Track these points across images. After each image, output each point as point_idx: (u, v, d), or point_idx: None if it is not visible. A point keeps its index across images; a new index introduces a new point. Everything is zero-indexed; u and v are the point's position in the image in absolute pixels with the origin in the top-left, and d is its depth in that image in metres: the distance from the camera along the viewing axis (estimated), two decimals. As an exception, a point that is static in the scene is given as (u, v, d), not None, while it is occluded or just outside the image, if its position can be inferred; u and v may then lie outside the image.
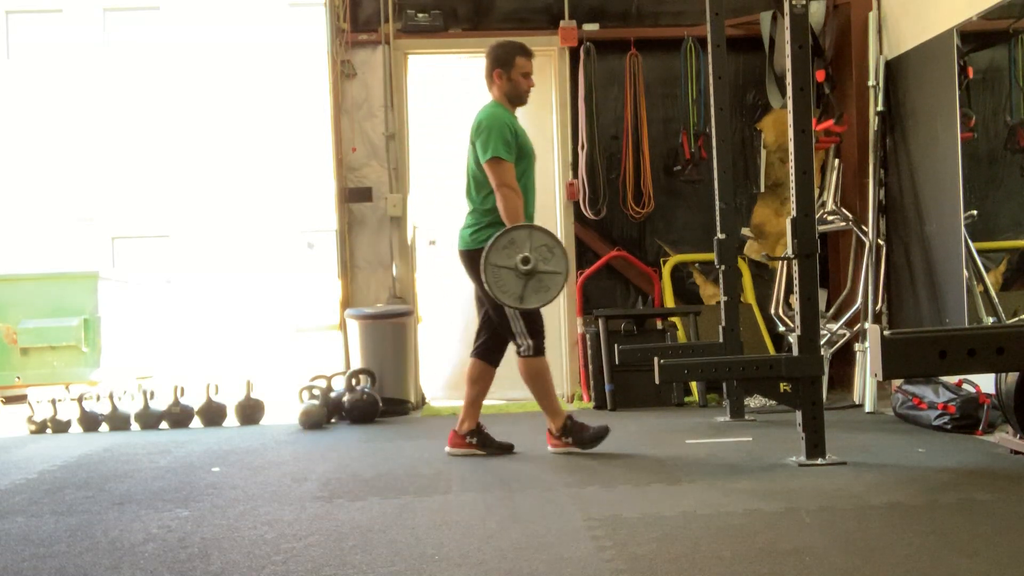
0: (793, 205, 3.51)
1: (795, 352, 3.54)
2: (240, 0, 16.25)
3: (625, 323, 5.40)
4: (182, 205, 15.84)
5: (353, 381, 5.19)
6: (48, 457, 4.25)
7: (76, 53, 16.21)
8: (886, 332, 3.24)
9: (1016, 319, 4.44)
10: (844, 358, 5.40)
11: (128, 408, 5.30)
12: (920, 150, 4.89)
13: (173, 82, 15.92)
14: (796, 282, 3.54)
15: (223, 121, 15.77)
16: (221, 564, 2.40)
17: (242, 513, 2.96)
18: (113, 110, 15.86)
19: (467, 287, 6.20)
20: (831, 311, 5.57)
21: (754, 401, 5.07)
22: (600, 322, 5.38)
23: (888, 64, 5.14)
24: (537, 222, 5.96)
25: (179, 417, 5.19)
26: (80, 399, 5.24)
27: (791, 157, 3.52)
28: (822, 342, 4.70)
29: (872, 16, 5.26)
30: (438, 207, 6.24)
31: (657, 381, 3.98)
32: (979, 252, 4.52)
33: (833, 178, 5.55)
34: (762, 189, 5.82)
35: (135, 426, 5.21)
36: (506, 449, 3.95)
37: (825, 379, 4.91)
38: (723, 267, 4.67)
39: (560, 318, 5.89)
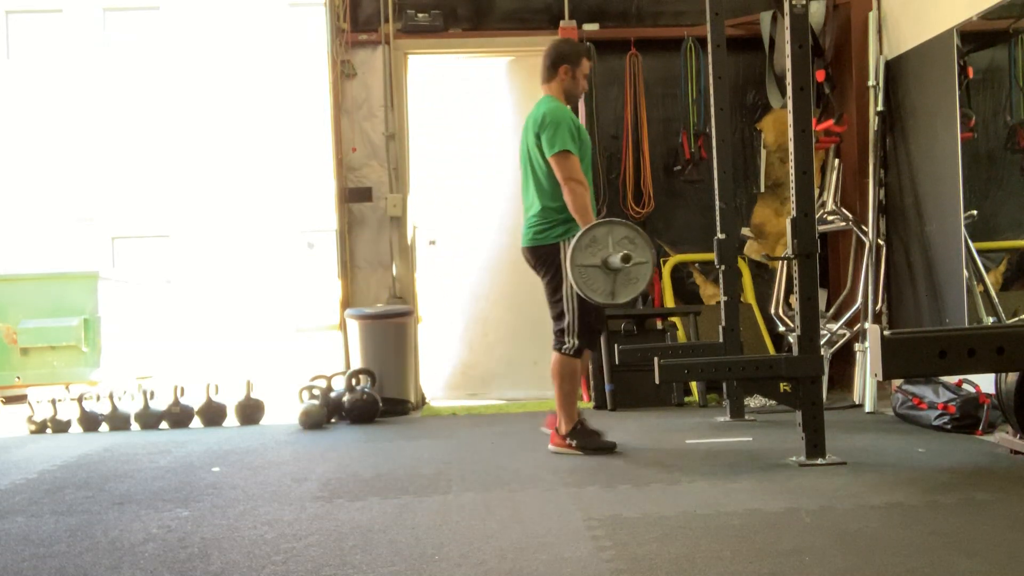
0: (793, 205, 3.51)
1: (795, 352, 3.54)
2: (240, 0, 16.25)
3: (625, 323, 5.39)
4: (182, 205, 15.85)
5: (353, 381, 5.19)
6: (48, 457, 4.25)
7: (76, 53, 16.22)
8: (886, 332, 3.24)
9: (1016, 319, 4.44)
10: (844, 358, 5.40)
11: (128, 408, 5.30)
12: (920, 150, 4.89)
13: (173, 82, 15.93)
14: (796, 282, 3.54)
15: (223, 121, 15.78)
16: (221, 564, 2.40)
17: (242, 513, 2.96)
18: (113, 110, 15.87)
19: (467, 287, 6.26)
20: (831, 311, 5.57)
21: (754, 401, 5.07)
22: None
23: (888, 64, 5.14)
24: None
25: (179, 417, 5.19)
26: (80, 399, 5.24)
27: (791, 157, 3.52)
28: (822, 342, 4.70)
29: (872, 16, 5.26)
30: (438, 207, 6.25)
31: (657, 381, 3.98)
32: (979, 252, 4.52)
33: (833, 178, 5.55)
34: (762, 189, 5.82)
35: (135, 426, 5.21)
36: (609, 447, 3.93)
37: (825, 379, 4.91)
38: (723, 267, 4.67)
39: (560, 318, 5.89)
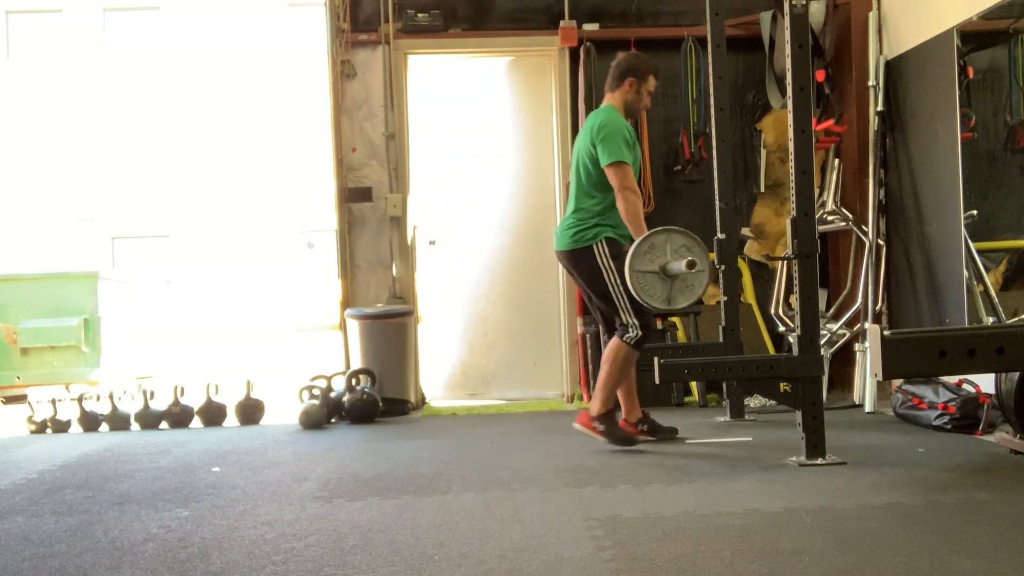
0: (793, 205, 3.51)
1: (795, 352, 3.54)
2: (240, 0, 16.25)
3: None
4: (182, 205, 15.84)
5: (353, 381, 5.19)
6: (48, 457, 4.25)
7: (76, 53, 16.21)
8: (886, 332, 3.24)
9: (1016, 319, 4.44)
10: (844, 358, 5.40)
11: (128, 408, 5.30)
12: (920, 150, 4.89)
13: (173, 82, 15.93)
14: (796, 282, 3.54)
15: (223, 121, 15.78)
16: (221, 564, 2.40)
17: (242, 513, 2.96)
18: (113, 110, 15.87)
19: (467, 287, 6.26)
20: (831, 311, 5.57)
21: (754, 401, 5.07)
22: (599, 316, 5.37)
23: (888, 64, 5.14)
24: (536, 222, 6.04)
25: (179, 417, 5.19)
26: (80, 399, 5.24)
27: (791, 157, 3.52)
28: (822, 342, 4.70)
29: (872, 16, 5.26)
30: (438, 207, 6.24)
31: (657, 381, 3.98)
32: (979, 252, 4.52)
33: (833, 178, 5.55)
34: (762, 189, 5.82)
35: (135, 426, 5.21)
36: (671, 432, 4.00)
37: (825, 379, 4.91)
38: (723, 267, 4.67)
39: (560, 318, 5.89)
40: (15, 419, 5.69)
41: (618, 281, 3.86)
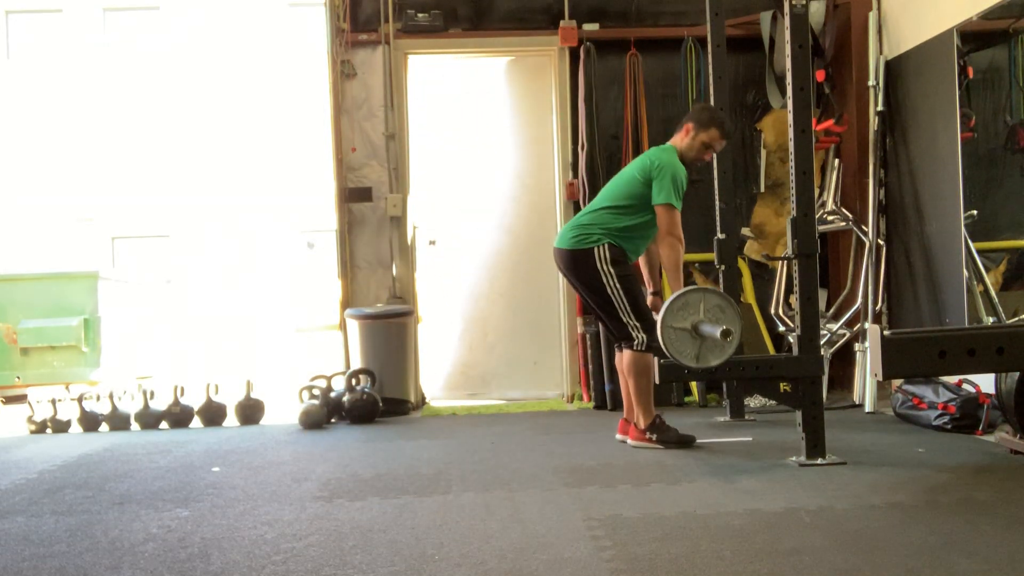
0: (793, 205, 3.51)
1: (795, 352, 3.54)
2: (240, 0, 16.25)
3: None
4: (182, 205, 15.84)
5: (353, 381, 5.19)
6: (48, 457, 4.25)
7: (76, 53, 16.21)
8: (886, 332, 3.24)
9: (1016, 319, 4.44)
10: (844, 358, 5.40)
11: (128, 408, 5.30)
12: (920, 150, 4.89)
13: (173, 82, 15.92)
14: (796, 282, 3.54)
15: (223, 121, 15.77)
16: (221, 564, 2.40)
17: (242, 513, 2.96)
18: (113, 110, 15.86)
19: (467, 287, 6.26)
20: (831, 311, 5.57)
21: (754, 401, 5.07)
22: (600, 322, 5.37)
23: (888, 64, 5.14)
24: (536, 222, 6.04)
25: (179, 417, 5.19)
26: (80, 399, 5.24)
27: (791, 157, 3.52)
28: (822, 342, 4.70)
29: (872, 16, 5.26)
30: (438, 207, 6.24)
31: (657, 381, 3.99)
32: (979, 252, 4.52)
33: (833, 178, 5.55)
34: (762, 189, 5.82)
35: (135, 426, 5.21)
36: (688, 441, 3.96)
37: (825, 379, 4.91)
38: (723, 267, 4.67)
39: (560, 318, 5.89)
40: (15, 419, 5.69)
41: (617, 285, 3.85)
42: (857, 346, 5.09)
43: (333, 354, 5.91)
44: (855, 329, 5.20)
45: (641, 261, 4.22)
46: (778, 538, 2.45)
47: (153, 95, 15.86)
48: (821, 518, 2.65)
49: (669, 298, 3.47)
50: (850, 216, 5.40)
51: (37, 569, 2.42)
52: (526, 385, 6.10)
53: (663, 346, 3.43)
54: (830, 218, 5.47)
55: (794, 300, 3.80)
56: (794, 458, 3.48)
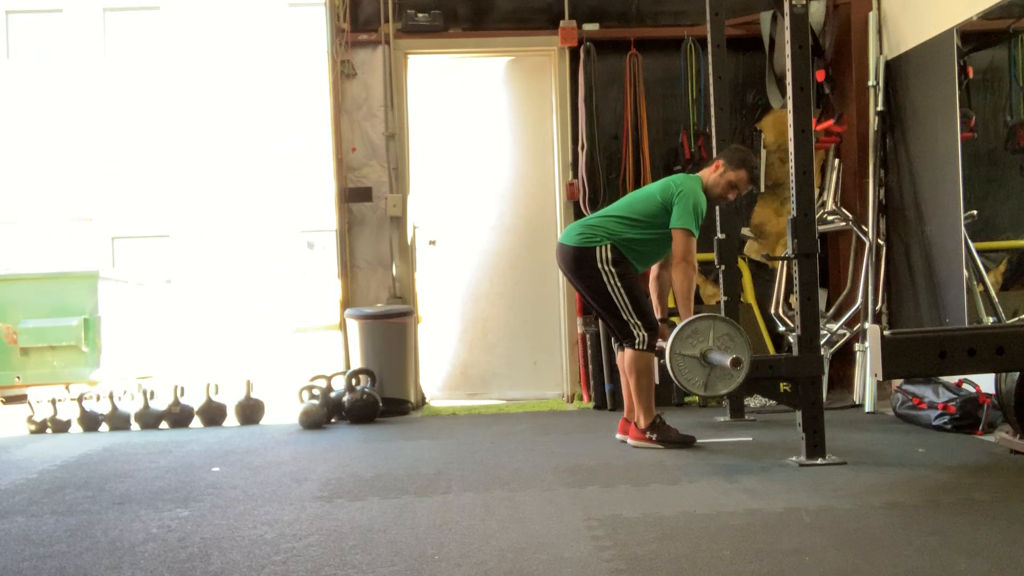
0: (793, 205, 3.51)
1: (795, 352, 3.54)
2: (240, 0, 16.25)
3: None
4: (182, 205, 15.85)
5: (353, 381, 5.19)
6: (48, 457, 4.25)
7: (76, 53, 16.22)
8: (886, 332, 3.24)
9: (1016, 319, 4.44)
10: (844, 358, 5.40)
11: (128, 408, 5.30)
12: (920, 150, 4.89)
13: (173, 82, 15.93)
14: (796, 282, 3.54)
15: (223, 121, 15.78)
16: (221, 564, 2.40)
17: (242, 513, 2.96)
18: (113, 110, 15.87)
19: (467, 287, 6.26)
20: (831, 311, 5.57)
21: (754, 401, 5.07)
22: (600, 322, 5.37)
23: (888, 64, 5.14)
24: (536, 222, 6.04)
25: (179, 417, 5.19)
26: (80, 399, 5.24)
27: (791, 157, 3.52)
28: (822, 342, 4.70)
29: (872, 16, 5.26)
30: (438, 207, 6.25)
31: (657, 381, 3.99)
32: (979, 252, 4.52)
33: (833, 178, 5.55)
34: (762, 189, 5.82)
35: (135, 426, 5.21)
36: (688, 441, 3.96)
37: (825, 379, 4.91)
38: (723, 267, 4.67)
39: (560, 318, 5.89)
40: (15, 419, 5.69)
41: (618, 283, 3.87)
42: (857, 346, 5.09)
43: (333, 354, 5.91)
44: (855, 329, 5.20)
45: (651, 287, 4.24)
46: (778, 538, 2.45)
47: (153, 95, 15.86)
48: (821, 518, 2.65)
49: (679, 325, 3.47)
50: (850, 216, 5.40)
51: (37, 569, 2.42)
52: (526, 385, 6.10)
53: (672, 374, 3.44)
54: (830, 218, 5.47)
55: (794, 300, 3.80)
56: (794, 458, 3.48)
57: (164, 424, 5.20)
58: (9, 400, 7.20)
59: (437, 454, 4.00)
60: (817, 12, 5.41)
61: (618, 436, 4.13)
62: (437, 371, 6.20)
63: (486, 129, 6.26)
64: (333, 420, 5.15)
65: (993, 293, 4.51)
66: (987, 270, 4.55)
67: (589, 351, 5.52)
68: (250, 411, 5.26)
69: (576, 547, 2.43)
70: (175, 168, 15.77)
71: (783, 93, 5.34)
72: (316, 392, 5.14)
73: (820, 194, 5.54)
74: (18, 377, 7.15)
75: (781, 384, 3.67)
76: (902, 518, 2.64)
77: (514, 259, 6.19)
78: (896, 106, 5.11)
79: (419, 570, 2.29)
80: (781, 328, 5.57)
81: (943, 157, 4.63)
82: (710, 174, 4.04)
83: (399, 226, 5.75)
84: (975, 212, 4.54)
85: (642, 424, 3.95)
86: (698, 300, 5.83)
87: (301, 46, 15.13)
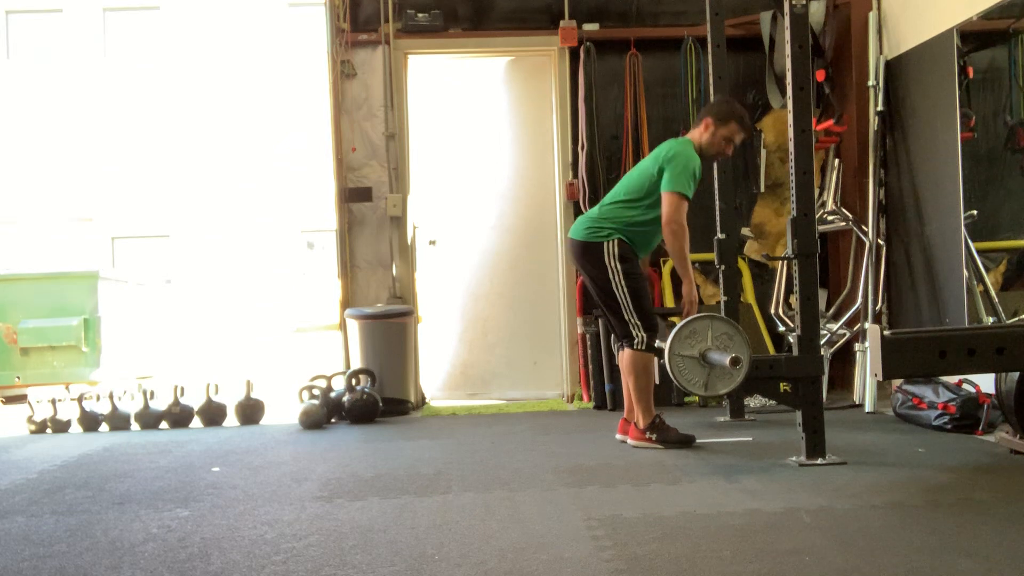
0: (793, 205, 3.51)
1: (795, 352, 3.54)
2: (240, 0, 16.25)
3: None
4: (182, 205, 15.85)
5: (353, 381, 5.19)
6: (48, 457, 4.25)
7: (76, 53, 16.22)
8: (886, 332, 3.24)
9: (1016, 319, 4.43)
10: (844, 358, 5.40)
11: (128, 408, 5.30)
12: (920, 150, 4.89)
13: (173, 82, 15.93)
14: (796, 282, 3.54)
15: (223, 121, 15.78)
16: (221, 564, 2.40)
17: (242, 513, 2.96)
18: (113, 110, 15.87)
19: (467, 287, 6.26)
20: (831, 311, 5.57)
21: (754, 401, 5.07)
22: (600, 322, 5.37)
23: (888, 64, 5.14)
24: (536, 222, 6.04)
25: (179, 417, 5.20)
26: (80, 399, 5.24)
27: (791, 157, 3.52)
28: (822, 342, 4.70)
29: (872, 16, 5.26)
30: (438, 207, 6.25)
31: (657, 381, 3.99)
32: (979, 252, 4.52)
33: (833, 178, 5.55)
34: (762, 189, 5.82)
35: (135, 426, 5.21)
36: (688, 441, 3.95)
37: (825, 379, 4.91)
38: (723, 267, 4.67)
39: (560, 318, 5.89)
40: (15, 419, 5.69)
41: (622, 282, 3.87)
42: (857, 346, 5.09)
43: (333, 354, 5.91)
44: (855, 329, 5.20)
45: None
46: (778, 538, 2.45)
47: (153, 95, 15.86)
48: (821, 518, 2.65)
49: (677, 326, 3.47)
50: (850, 216, 5.40)
51: (37, 569, 2.42)
52: (526, 385, 6.10)
53: (672, 375, 3.44)
54: (830, 218, 5.47)
55: (794, 300, 3.80)
56: (794, 458, 3.48)
57: (164, 424, 5.20)
58: (9, 400, 7.20)
59: (437, 454, 4.00)
60: (817, 12, 5.41)
61: (618, 436, 4.13)
62: (437, 371, 6.20)
63: (486, 129, 6.26)
64: (333, 420, 5.15)
65: (993, 293, 4.51)
66: (987, 270, 4.55)
67: (589, 351, 5.52)
68: (250, 411, 5.26)
69: (576, 547, 2.43)
70: (175, 168, 15.77)
71: (783, 93, 5.34)
72: (316, 392, 5.14)
73: (820, 194, 5.54)
74: (18, 377, 7.15)
75: (781, 384, 3.66)
76: (902, 518, 2.64)
77: (514, 259, 6.19)
78: (896, 106, 5.11)
79: (419, 570, 2.29)
80: (781, 328, 5.57)
81: (943, 157, 4.62)
82: (701, 134, 4.00)
83: (399, 226, 5.75)
84: (975, 212, 4.54)
85: (641, 424, 3.95)
86: (698, 300, 5.83)
87: (301, 46, 15.13)
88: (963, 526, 2.53)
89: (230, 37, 16.10)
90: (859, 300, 5.16)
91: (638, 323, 3.89)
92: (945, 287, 4.66)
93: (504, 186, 6.21)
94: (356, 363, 5.44)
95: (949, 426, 4.05)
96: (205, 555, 2.49)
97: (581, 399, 5.65)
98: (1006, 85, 4.81)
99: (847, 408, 4.97)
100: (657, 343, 3.87)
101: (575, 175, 5.74)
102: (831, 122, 5.44)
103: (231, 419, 5.25)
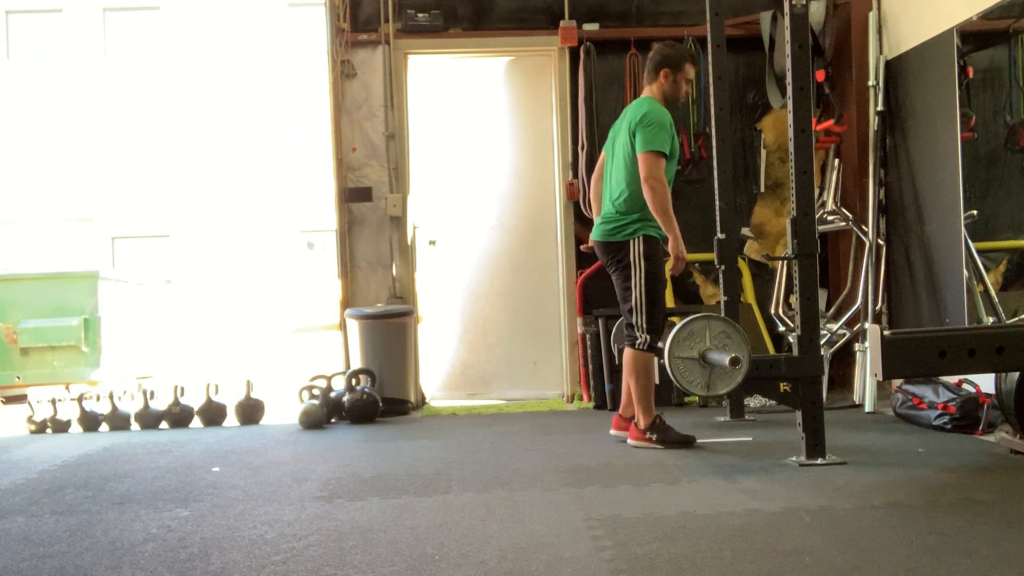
0: (793, 205, 3.51)
1: (795, 352, 3.54)
2: (240, 0, 16.25)
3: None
4: (182, 205, 15.85)
5: (353, 381, 5.19)
6: (48, 457, 4.25)
7: (76, 53, 16.22)
8: (886, 332, 3.24)
9: (1016, 319, 4.43)
10: (844, 358, 5.40)
11: (128, 408, 5.30)
12: (920, 150, 4.89)
13: (173, 82, 15.93)
14: (796, 282, 3.54)
15: (223, 121, 15.78)
16: (221, 564, 2.40)
17: (242, 513, 2.96)
18: (113, 110, 15.87)
19: (467, 287, 6.26)
20: (831, 311, 5.57)
21: (754, 401, 5.07)
22: (600, 322, 5.37)
23: (888, 64, 5.14)
24: (537, 222, 6.04)
25: (179, 417, 5.20)
26: (80, 399, 5.24)
27: (791, 157, 3.52)
28: (822, 342, 4.70)
29: (872, 16, 5.26)
30: (438, 207, 6.24)
31: (657, 381, 3.99)
32: (979, 252, 4.52)
33: (833, 178, 5.55)
34: (762, 189, 5.82)
35: (135, 426, 5.21)
36: (688, 441, 3.95)
37: (825, 379, 4.91)
38: (723, 267, 4.67)
39: (560, 318, 5.89)
40: (15, 419, 5.69)
41: (642, 280, 3.90)
42: (857, 346, 5.09)
43: (333, 354, 5.91)
44: (855, 329, 5.20)
45: (592, 194, 4.29)
46: (778, 538, 2.45)
47: (153, 95, 15.86)
48: (821, 518, 2.65)
49: (675, 327, 3.47)
50: (850, 216, 5.40)
51: (37, 569, 2.42)
52: (526, 385, 6.10)
53: (672, 377, 3.44)
54: (830, 218, 5.47)
55: (794, 300, 3.80)
56: (794, 458, 3.48)
57: (164, 424, 5.21)
58: (9, 400, 7.20)
59: (437, 454, 4.00)
60: (817, 12, 5.41)
61: (612, 432, 4.13)
62: (437, 371, 6.20)
63: (486, 129, 6.26)
64: (333, 420, 5.15)
65: (993, 293, 4.51)
66: (987, 270, 4.55)
67: (589, 351, 5.52)
68: (250, 411, 5.26)
69: (576, 547, 2.43)
70: (175, 168, 15.78)
71: (783, 93, 5.34)
72: (316, 392, 5.14)
73: (820, 194, 5.54)
74: (18, 377, 7.15)
75: (781, 384, 3.66)
76: (902, 518, 2.64)
77: (514, 259, 6.19)
78: (896, 106, 5.11)
79: (419, 570, 2.29)
80: (781, 328, 5.57)
81: (943, 157, 4.63)
82: (663, 87, 4.01)
83: (399, 226, 5.75)
84: (975, 212, 4.54)
85: (642, 424, 3.95)
86: (698, 300, 5.84)
87: (301, 46, 15.13)
88: (963, 526, 2.53)
89: (230, 37, 16.10)
90: (859, 300, 5.16)
91: (644, 324, 3.90)
92: (945, 287, 4.66)
93: (504, 186, 6.21)
94: (356, 363, 5.44)
95: (949, 426, 4.05)
96: (205, 555, 2.49)
97: (581, 399, 5.65)
98: (1006, 85, 4.81)
99: (847, 408, 4.97)
100: (659, 343, 3.87)
101: (575, 175, 5.74)
102: (831, 122, 5.44)
103: (231, 419, 5.25)
